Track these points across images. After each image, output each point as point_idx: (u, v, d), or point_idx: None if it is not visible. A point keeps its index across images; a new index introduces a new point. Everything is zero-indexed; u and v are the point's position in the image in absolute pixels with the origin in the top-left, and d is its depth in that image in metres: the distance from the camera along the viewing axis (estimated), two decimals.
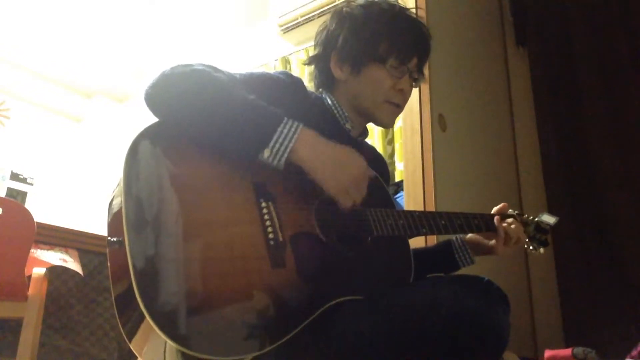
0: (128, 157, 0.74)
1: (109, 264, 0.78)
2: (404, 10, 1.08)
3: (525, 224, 1.20)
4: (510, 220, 1.14)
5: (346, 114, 1.08)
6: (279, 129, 0.79)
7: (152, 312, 0.64)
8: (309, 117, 0.99)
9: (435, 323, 0.71)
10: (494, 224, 1.11)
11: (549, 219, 1.21)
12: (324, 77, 1.11)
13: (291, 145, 0.79)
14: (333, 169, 0.83)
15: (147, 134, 0.78)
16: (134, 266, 0.66)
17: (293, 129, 0.80)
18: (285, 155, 0.79)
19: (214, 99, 0.80)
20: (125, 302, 0.71)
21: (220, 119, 0.79)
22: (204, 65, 0.86)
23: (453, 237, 1.16)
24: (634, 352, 1.37)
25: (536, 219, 1.22)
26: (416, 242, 1.54)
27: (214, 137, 0.80)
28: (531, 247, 1.22)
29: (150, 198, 0.73)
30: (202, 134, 0.81)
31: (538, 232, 1.21)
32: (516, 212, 1.20)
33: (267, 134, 0.78)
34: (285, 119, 0.81)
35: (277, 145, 0.78)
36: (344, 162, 0.85)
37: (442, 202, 1.62)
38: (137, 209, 0.71)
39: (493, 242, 1.12)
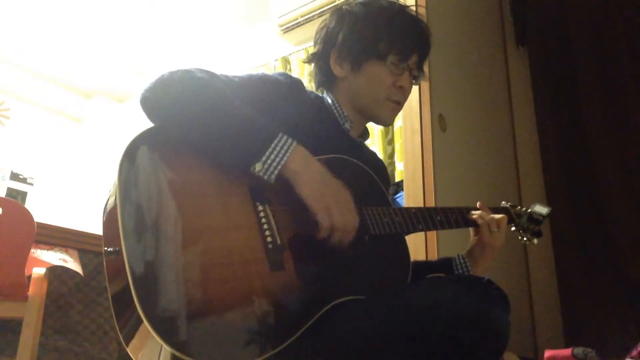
0: (122, 163, 0.73)
1: (105, 267, 0.78)
2: (403, 8, 1.08)
3: (518, 215, 1.21)
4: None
5: (346, 113, 1.08)
6: (273, 144, 0.79)
7: (151, 319, 0.64)
8: (308, 118, 0.99)
9: (435, 323, 0.71)
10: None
11: (541, 209, 1.21)
12: (324, 75, 1.11)
13: (284, 160, 0.79)
14: (319, 186, 0.81)
15: (140, 140, 0.77)
16: (131, 273, 0.66)
17: (287, 145, 0.80)
18: (277, 170, 0.78)
19: (211, 108, 0.80)
20: (122, 306, 0.71)
21: (216, 128, 0.79)
22: (202, 71, 0.86)
23: (455, 255, 1.15)
24: (634, 352, 1.37)
25: (529, 210, 1.22)
26: (416, 240, 1.54)
27: (208, 145, 0.80)
28: (525, 238, 1.23)
29: (146, 205, 0.72)
30: (196, 141, 0.80)
31: (531, 223, 1.22)
32: (509, 203, 1.20)
33: (261, 148, 0.78)
34: (280, 134, 0.80)
35: (270, 160, 0.78)
36: (332, 183, 0.84)
37: (442, 202, 1.62)
38: (132, 215, 0.70)
39: (478, 238, 1.11)
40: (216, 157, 0.81)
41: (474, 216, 1.10)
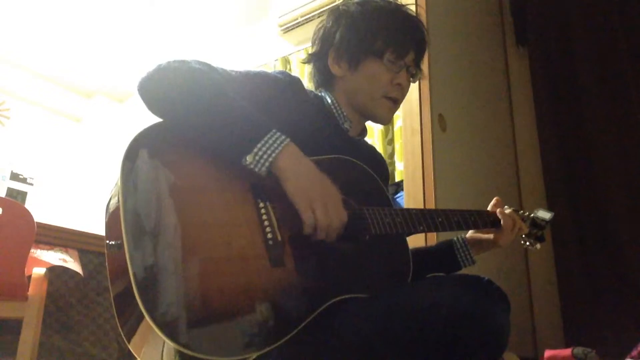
0: (124, 162, 0.74)
1: (107, 265, 0.78)
2: (399, 7, 1.09)
3: (521, 220, 1.21)
4: (506, 208, 1.16)
5: (345, 113, 1.09)
6: (265, 138, 0.79)
7: (153, 315, 0.64)
8: (306, 116, 1.00)
9: (435, 323, 0.71)
10: (490, 220, 1.12)
11: (544, 214, 1.21)
12: (322, 75, 1.11)
13: (274, 155, 0.79)
14: (304, 183, 0.81)
15: (141, 138, 0.78)
16: (133, 270, 0.66)
17: (279, 141, 0.80)
18: (267, 163, 0.79)
19: (207, 98, 0.81)
20: (124, 303, 0.71)
21: (211, 118, 0.80)
22: (200, 62, 0.87)
23: (454, 237, 1.17)
24: (634, 352, 1.37)
25: (532, 215, 1.22)
26: (416, 240, 1.54)
27: (202, 135, 0.81)
28: (528, 243, 1.23)
29: (149, 203, 0.73)
30: (191, 129, 0.82)
31: (534, 228, 1.22)
32: (512, 208, 1.20)
33: (252, 140, 0.79)
34: (274, 130, 0.81)
35: (261, 153, 0.79)
36: (318, 180, 0.83)
37: (442, 202, 1.62)
38: (135, 213, 0.71)
39: (492, 235, 1.13)
40: (210, 147, 0.81)
41: (503, 220, 1.12)
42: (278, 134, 0.81)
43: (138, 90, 0.83)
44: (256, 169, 0.79)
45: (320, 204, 0.81)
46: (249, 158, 0.78)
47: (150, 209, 0.72)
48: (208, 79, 0.83)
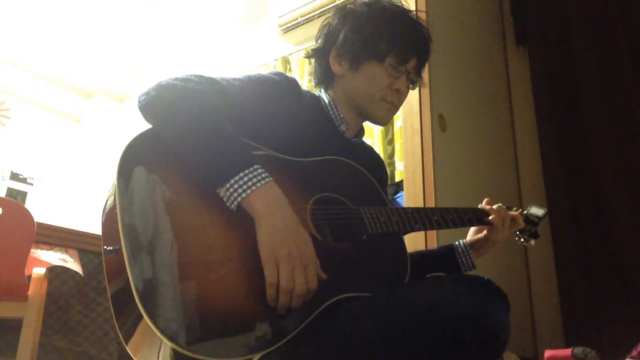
0: (121, 164, 0.75)
1: (104, 266, 0.78)
2: (407, 12, 1.09)
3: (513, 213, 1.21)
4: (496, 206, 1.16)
5: (342, 115, 1.09)
6: (243, 173, 0.76)
7: (153, 317, 0.64)
8: (303, 116, 1.00)
9: (435, 323, 0.71)
10: (485, 217, 1.12)
11: (537, 211, 1.21)
12: (323, 72, 1.11)
13: (247, 193, 0.75)
14: (275, 238, 0.75)
15: (136, 143, 0.79)
16: (133, 273, 0.66)
17: (258, 179, 0.76)
18: (237, 201, 0.76)
19: (199, 122, 0.80)
20: (122, 305, 0.71)
21: (198, 142, 0.79)
22: (200, 79, 0.86)
23: (456, 242, 1.17)
24: (634, 352, 1.37)
25: (525, 212, 1.22)
26: (416, 240, 1.54)
27: (187, 157, 0.80)
28: (522, 240, 1.23)
29: (144, 210, 0.73)
30: (178, 150, 0.80)
31: (528, 225, 1.22)
32: (505, 205, 1.21)
33: (229, 173, 0.76)
34: (257, 166, 0.77)
35: (233, 189, 0.75)
36: (292, 237, 0.76)
37: (442, 202, 1.62)
38: (133, 219, 0.71)
39: (487, 233, 1.13)
40: (192, 170, 0.80)
41: (491, 216, 1.11)
42: (259, 171, 0.77)
43: (138, 106, 0.83)
44: (227, 204, 0.76)
45: (287, 265, 0.73)
46: (222, 192, 0.76)
47: (146, 216, 0.72)
48: (205, 102, 0.82)
